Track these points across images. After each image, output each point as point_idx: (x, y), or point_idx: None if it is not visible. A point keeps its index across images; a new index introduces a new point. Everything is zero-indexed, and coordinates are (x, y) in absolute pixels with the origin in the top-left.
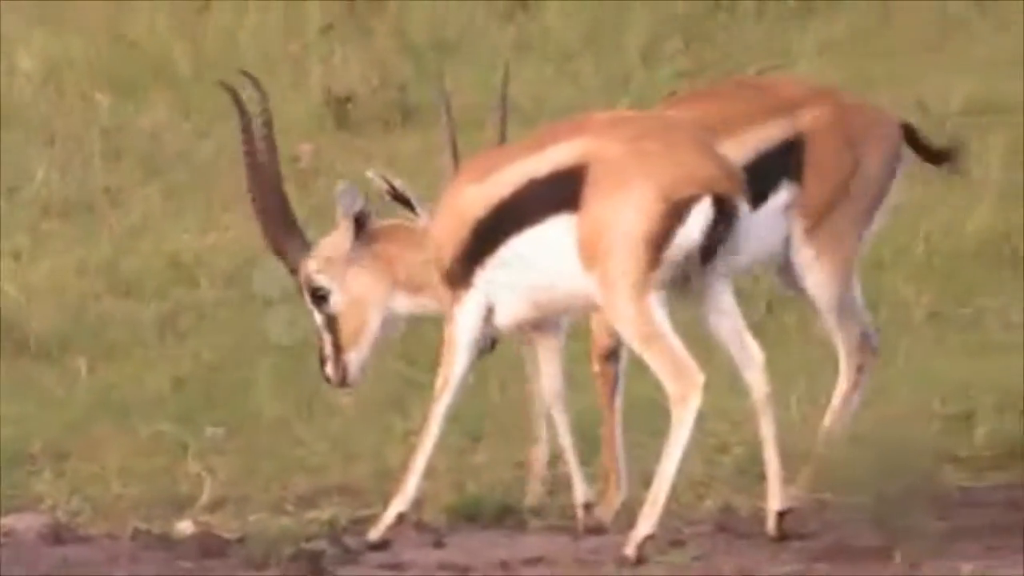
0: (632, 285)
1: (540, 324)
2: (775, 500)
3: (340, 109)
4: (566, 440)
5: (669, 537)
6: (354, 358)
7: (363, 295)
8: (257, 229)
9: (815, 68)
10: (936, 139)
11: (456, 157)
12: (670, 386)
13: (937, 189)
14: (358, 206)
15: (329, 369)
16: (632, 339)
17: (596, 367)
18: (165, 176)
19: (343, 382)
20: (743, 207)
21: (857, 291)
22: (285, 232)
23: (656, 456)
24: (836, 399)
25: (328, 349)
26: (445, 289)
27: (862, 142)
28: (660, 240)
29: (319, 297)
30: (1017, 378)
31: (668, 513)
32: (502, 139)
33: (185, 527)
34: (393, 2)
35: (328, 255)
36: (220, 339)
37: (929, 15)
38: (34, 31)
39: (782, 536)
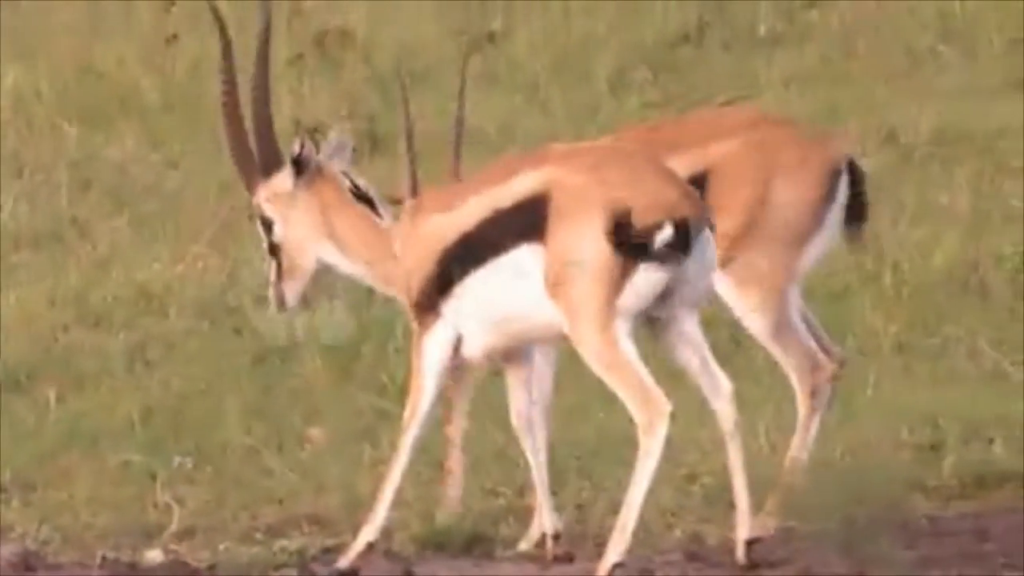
0: (597, 314)
1: (509, 353)
2: (743, 529)
3: (311, 138)
4: (535, 470)
5: (638, 566)
6: (290, 287)
7: (297, 235)
8: (223, 259)
9: (782, 99)
10: (905, 169)
11: (415, 184)
12: (637, 415)
13: (905, 218)
14: (310, 151)
15: (270, 292)
16: (598, 368)
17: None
18: (134, 207)
19: (280, 305)
20: (705, 232)
21: (795, 316)
22: (248, 157)
23: (625, 486)
24: (798, 426)
25: (272, 275)
26: (413, 318)
27: (782, 173)
28: (621, 270)
29: (266, 225)
30: (984, 408)
31: (637, 542)
32: (457, 162)
33: (154, 556)
34: (361, 33)
35: (276, 188)
36: (189, 369)
37: (896, 45)
38: (2, 63)
39: (751, 565)
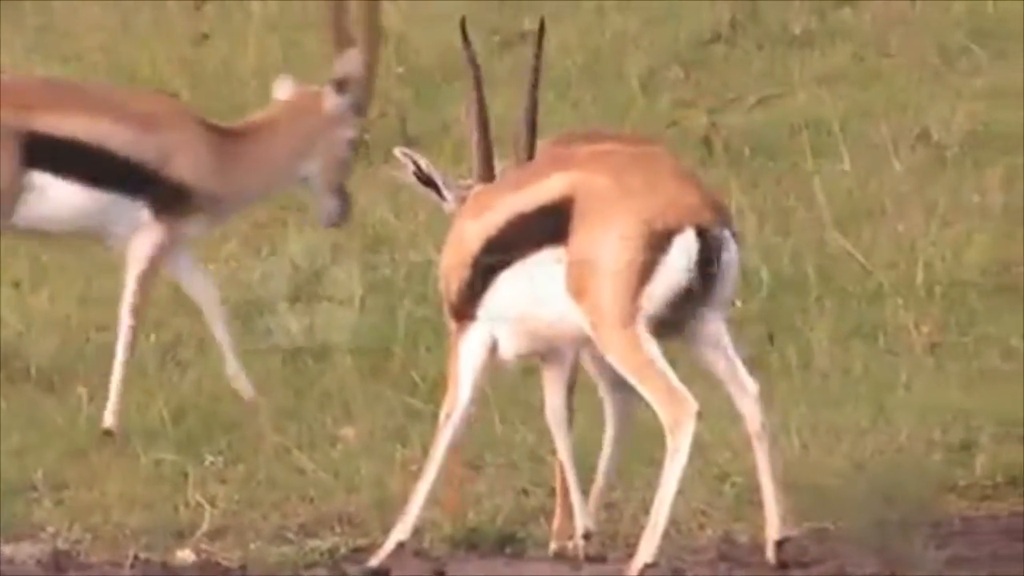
0: (619, 316)
1: (544, 354)
2: (773, 529)
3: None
4: (568, 469)
5: (670, 566)
6: None
7: None
8: (255, 259)
9: (815, 98)
10: (937, 168)
11: (490, 171)
12: (663, 414)
13: (937, 218)
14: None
15: None
16: (623, 369)
17: None
18: None
19: None
20: (728, 238)
21: None
22: None
23: (656, 486)
24: None
25: None
26: (451, 321)
27: None
28: (643, 270)
29: None
30: (1017, 407)
31: (669, 542)
32: (529, 153)
33: (186, 556)
34: (393, 32)
35: None
36: (221, 368)
37: (929, 44)
38: (32, 62)
39: (782, 565)
